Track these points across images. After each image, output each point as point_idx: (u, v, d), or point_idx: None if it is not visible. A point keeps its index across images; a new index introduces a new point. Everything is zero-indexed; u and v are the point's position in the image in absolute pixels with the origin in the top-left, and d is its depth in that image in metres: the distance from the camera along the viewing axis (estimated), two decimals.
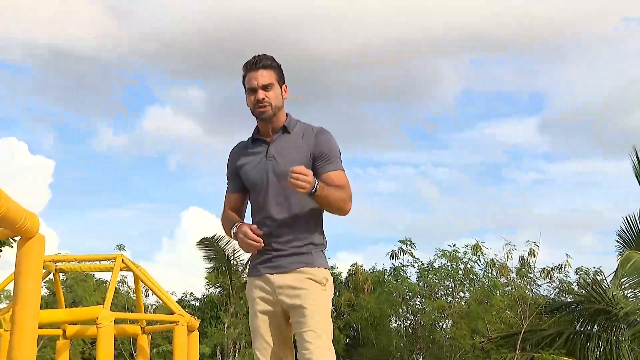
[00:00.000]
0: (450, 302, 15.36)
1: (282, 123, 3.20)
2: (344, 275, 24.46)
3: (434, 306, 15.80)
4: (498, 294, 14.89)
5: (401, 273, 16.69)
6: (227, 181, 3.35)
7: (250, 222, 3.19)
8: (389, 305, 17.95)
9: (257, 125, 3.27)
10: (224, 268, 21.25)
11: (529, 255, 16.06)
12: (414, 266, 16.83)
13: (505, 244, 15.28)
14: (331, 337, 3.06)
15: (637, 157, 13.03)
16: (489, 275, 15.58)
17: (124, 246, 18.90)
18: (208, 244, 21.14)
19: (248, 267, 3.49)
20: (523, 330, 13.45)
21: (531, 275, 16.14)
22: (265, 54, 3.20)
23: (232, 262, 21.03)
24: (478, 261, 15.68)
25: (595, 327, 13.77)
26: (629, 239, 12.50)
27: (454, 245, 15.97)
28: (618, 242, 12.63)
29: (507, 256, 16.04)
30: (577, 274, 16.82)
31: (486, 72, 31.14)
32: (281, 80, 3.19)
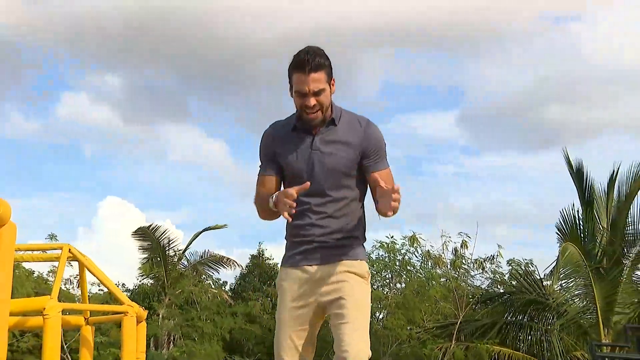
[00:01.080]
0: (387, 293, 15.62)
1: (329, 116, 3.06)
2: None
3: (371, 297, 16.05)
4: (434, 285, 15.22)
5: None
6: (260, 163, 3.19)
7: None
8: None
9: (300, 114, 3.08)
10: (159, 259, 20.99)
11: (461, 246, 16.48)
12: None
13: (442, 236, 15.63)
14: (368, 330, 2.97)
15: (568, 155, 13.51)
16: (426, 266, 15.92)
17: (56, 236, 18.43)
18: (143, 234, 20.82)
19: (284, 256, 3.19)
20: (459, 321, 13.80)
21: (465, 267, 16.57)
22: (315, 51, 2.98)
23: (167, 252, 20.79)
24: (415, 253, 16.00)
25: (527, 317, 14.27)
26: (565, 231, 12.98)
27: (392, 237, 16.25)
28: (557, 234, 13.10)
29: (443, 248, 16.41)
30: (509, 265, 17.30)
31: (407, 65, 31.53)
32: (330, 76, 3.03)
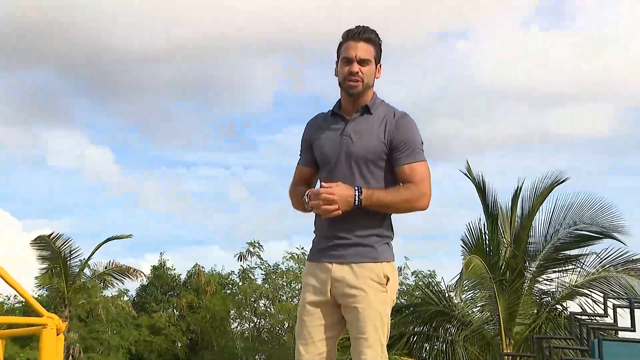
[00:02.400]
0: (297, 304, 15.71)
1: (366, 102, 3.03)
2: (183, 276, 24.15)
3: (280, 308, 16.04)
4: None
5: (249, 275, 16.79)
6: (300, 153, 3.21)
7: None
8: (235, 306, 17.99)
9: (339, 100, 3.10)
10: (59, 269, 20.27)
11: None
12: (261, 268, 16.99)
13: None
14: (385, 342, 2.96)
15: (470, 168, 14.01)
16: None
17: None
18: (44, 243, 20.07)
19: (310, 249, 3.13)
20: None
21: None
22: (369, 28, 3.02)
23: (68, 263, 20.10)
24: None
25: (433, 328, 14.66)
26: (471, 244, 13.45)
27: (302, 248, 16.34)
28: (462, 246, 13.55)
29: None
30: (414, 276, 17.77)
31: (300, 75, 31.90)
32: (378, 58, 3.04)
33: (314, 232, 3.12)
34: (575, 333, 8.23)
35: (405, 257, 17.04)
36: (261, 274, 17.34)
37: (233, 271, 18.30)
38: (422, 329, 14.67)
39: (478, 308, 14.38)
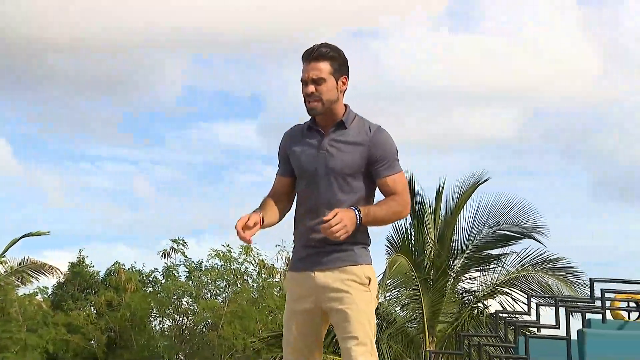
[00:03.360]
0: (222, 302, 15.56)
1: (339, 116, 3.12)
2: (102, 273, 23.58)
3: (204, 306, 15.89)
4: (271, 295, 15.39)
5: (173, 272, 16.55)
6: (278, 163, 3.28)
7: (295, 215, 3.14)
8: (157, 304, 17.70)
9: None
10: None
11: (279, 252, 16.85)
12: (185, 266, 16.78)
13: (276, 245, 15.85)
14: (374, 340, 3.05)
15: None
16: (263, 276, 16.06)
17: None
18: None
19: (290, 260, 3.35)
20: None
21: None
22: (324, 43, 3.08)
23: None
24: (253, 262, 16.08)
25: None
26: (396, 243, 13.65)
27: (228, 245, 16.22)
28: (387, 246, 13.74)
29: (278, 257, 16.66)
30: None
31: (210, 70, 31.55)
32: (338, 72, 3.09)
33: (294, 241, 3.21)
34: (500, 331, 8.47)
35: None
36: (184, 271, 17.13)
37: (156, 268, 18.03)
38: None
39: (402, 307, 14.62)
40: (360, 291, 3.04)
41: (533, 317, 8.11)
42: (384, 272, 13.03)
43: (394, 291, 13.96)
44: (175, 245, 16.92)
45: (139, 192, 32.38)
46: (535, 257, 13.86)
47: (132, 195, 33.41)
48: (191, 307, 17.03)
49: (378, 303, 13.69)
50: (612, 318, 7.95)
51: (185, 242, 17.03)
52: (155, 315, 19.61)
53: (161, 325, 19.55)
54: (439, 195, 13.91)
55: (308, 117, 3.21)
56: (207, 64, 31.78)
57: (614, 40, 28.59)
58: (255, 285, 16.06)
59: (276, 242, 20.54)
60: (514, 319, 9.49)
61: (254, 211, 3.11)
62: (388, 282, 13.15)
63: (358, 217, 2.98)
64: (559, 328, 7.57)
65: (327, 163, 3.07)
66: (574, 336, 7.57)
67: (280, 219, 3.23)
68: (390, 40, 31.03)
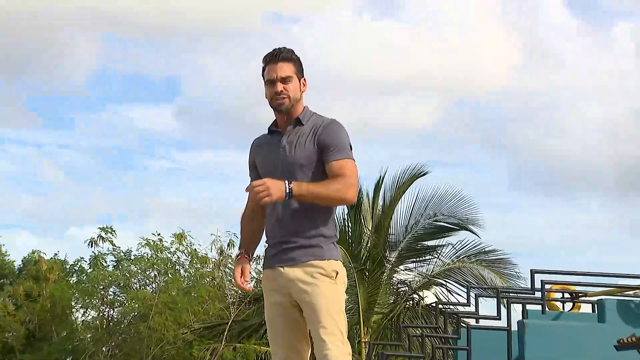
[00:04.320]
0: (152, 292, 15.34)
1: (297, 114, 3.30)
2: (17, 263, 22.88)
3: (133, 296, 15.65)
4: (204, 285, 15.27)
5: (101, 262, 16.21)
6: (249, 174, 3.44)
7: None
8: (81, 295, 17.31)
9: (275, 119, 3.37)
10: None
11: (228, 245, 16.73)
12: (114, 254, 16.46)
13: (211, 234, 15.73)
14: (345, 330, 3.15)
15: None
16: (195, 265, 15.91)
17: None
18: None
19: (264, 259, 3.38)
20: (230, 321, 13.99)
21: (231, 266, 16.83)
22: (285, 47, 3.30)
23: None
24: (185, 251, 15.90)
25: None
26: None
27: (159, 234, 15.99)
28: None
29: (211, 247, 16.52)
30: None
31: (123, 52, 30.59)
32: (300, 73, 3.31)
33: (266, 241, 3.35)
34: (440, 321, 8.66)
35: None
36: (112, 260, 16.80)
37: (82, 257, 17.61)
38: None
39: None
40: (327, 283, 3.16)
41: (472, 309, 8.33)
42: None
43: None
44: (103, 234, 16.58)
45: (45, 176, 31.29)
46: (471, 249, 14.20)
47: (38, 180, 32.25)
48: (119, 298, 16.73)
49: None
50: (547, 309, 8.24)
51: (114, 231, 16.73)
52: (80, 307, 19.18)
53: (85, 317, 19.14)
54: (378, 186, 14.06)
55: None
56: (121, 45, 30.71)
57: (533, 32, 29.33)
58: (187, 275, 15.91)
59: (210, 232, 20.42)
60: (454, 310, 9.70)
61: (239, 255, 3.31)
62: None
63: (287, 187, 3.08)
64: (500, 319, 7.80)
65: (285, 158, 3.24)
66: (514, 327, 7.82)
67: (262, 234, 3.39)
68: (312, 25, 30.77)
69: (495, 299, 7.96)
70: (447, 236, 14.06)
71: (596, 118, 28.33)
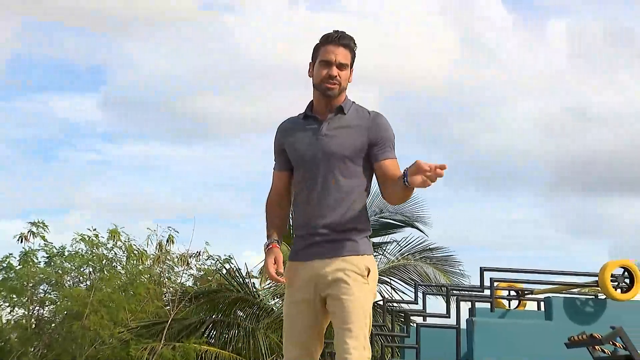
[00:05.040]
0: (87, 290, 14.96)
1: (339, 103, 3.22)
2: None
3: (67, 294, 15.24)
4: (142, 282, 14.98)
5: (32, 258, 15.71)
6: (274, 158, 3.35)
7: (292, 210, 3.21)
8: (8, 293, 16.76)
9: (310, 102, 3.28)
10: None
11: (167, 241, 16.47)
12: (45, 251, 15.96)
13: (147, 228, 15.45)
14: (369, 334, 3.11)
15: None
16: (133, 262, 15.60)
17: None
18: None
19: (291, 249, 3.28)
20: (170, 320, 13.78)
21: (170, 263, 16.57)
22: (346, 33, 3.22)
23: None
24: (122, 247, 15.57)
25: (234, 315, 14.74)
26: None
27: (95, 229, 15.60)
28: None
29: (147, 242, 16.24)
30: (211, 260, 17.57)
31: (44, 38, 29.67)
32: (353, 63, 3.25)
33: (293, 231, 3.29)
34: (387, 320, 8.67)
35: (206, 242, 16.88)
36: (44, 257, 16.30)
37: (11, 253, 17.02)
38: (223, 316, 14.70)
39: (282, 295, 14.67)
40: (359, 282, 3.11)
41: (419, 307, 8.37)
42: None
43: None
44: (34, 229, 16.07)
45: None
46: (416, 246, 14.32)
47: None
48: (50, 296, 16.26)
49: (257, 291, 13.69)
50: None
51: (47, 226, 16.23)
52: (5, 305, 18.60)
53: (11, 316, 18.55)
54: None
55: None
56: (41, 30, 29.65)
57: (471, 26, 29.71)
58: (124, 271, 15.59)
59: (147, 226, 20.06)
60: (401, 308, 9.73)
61: (269, 244, 3.20)
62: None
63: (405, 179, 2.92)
64: (449, 317, 7.86)
65: (327, 147, 3.15)
66: (463, 325, 7.88)
67: (288, 221, 3.38)
68: (246, 15, 30.30)
69: (445, 297, 8.02)
70: (393, 233, 14.15)
71: (532, 114, 28.83)
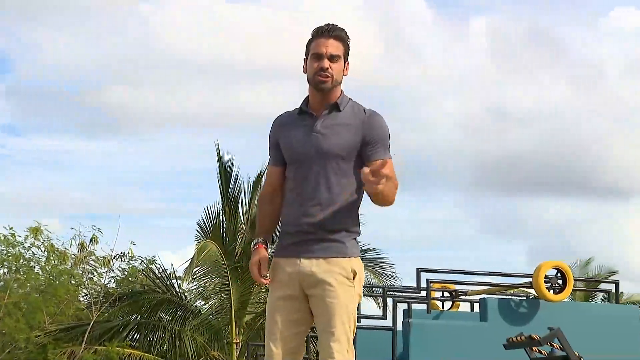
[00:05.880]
0: (2, 292, 14.42)
1: (335, 99, 3.20)
2: None
3: None
4: (62, 283, 14.54)
5: None
6: (269, 152, 3.35)
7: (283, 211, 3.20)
8: None
9: (306, 97, 3.26)
10: None
11: (91, 241, 16.09)
12: None
13: (72, 228, 15.01)
14: (352, 337, 3.13)
15: (219, 151, 14.07)
16: (53, 262, 15.12)
17: None
18: None
19: (277, 245, 3.27)
20: (92, 322, 13.43)
21: (93, 263, 16.17)
22: (338, 25, 3.21)
23: None
24: (41, 247, 15.08)
25: (159, 317, 14.48)
26: (207, 228, 13.47)
27: (11, 228, 15.06)
28: (198, 231, 13.52)
29: (71, 242, 15.82)
30: (135, 261, 17.21)
31: None
32: (347, 56, 3.22)
33: (281, 227, 3.28)
34: None
35: (131, 242, 16.51)
36: None
37: None
38: (148, 318, 14.43)
39: (207, 297, 14.50)
40: (344, 286, 3.12)
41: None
42: (192, 259, 12.82)
43: (202, 279, 13.79)
44: None
45: None
46: None
47: None
48: None
49: (183, 292, 13.47)
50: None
51: None
52: None
53: None
54: (258, 179, 13.90)
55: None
56: None
57: (394, 23, 29.98)
58: (43, 272, 15.09)
59: (71, 225, 19.48)
60: None
61: (256, 244, 3.22)
62: (195, 269, 12.96)
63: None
64: (386, 319, 7.86)
65: (321, 145, 3.15)
66: (399, 327, 7.90)
67: (279, 219, 3.32)
68: (162, 5, 29.53)
69: (381, 299, 8.02)
70: None
71: (453, 113, 29.28)
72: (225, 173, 13.89)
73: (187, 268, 13.76)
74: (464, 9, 34.12)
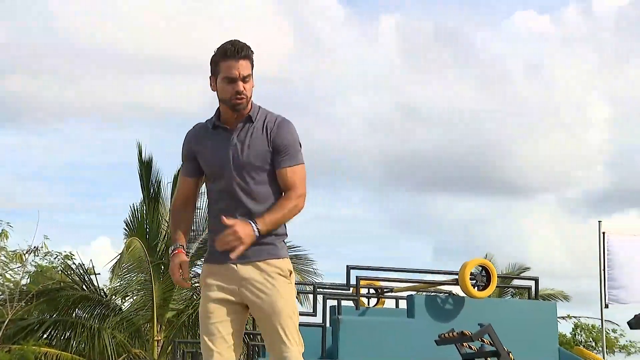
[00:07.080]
0: None
1: (247, 112, 3.36)
2: None
3: None
4: None
5: None
6: (182, 163, 3.49)
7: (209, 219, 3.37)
8: None
9: (217, 110, 3.39)
10: None
11: (0, 236, 15.70)
12: None
13: None
14: (298, 329, 3.31)
15: (141, 148, 14.01)
16: None
17: None
18: None
19: (207, 251, 3.44)
20: (7, 320, 13.16)
21: (3, 259, 15.79)
22: (242, 43, 3.32)
23: None
24: None
25: (77, 314, 14.30)
26: (133, 226, 13.41)
27: None
28: (124, 229, 13.44)
29: None
30: (50, 257, 16.89)
31: None
32: (253, 69, 3.37)
33: (210, 234, 3.42)
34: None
35: (45, 237, 16.17)
36: None
37: None
38: (63, 316, 14.24)
39: (127, 295, 14.42)
40: (284, 283, 3.31)
41: None
42: (121, 255, 12.75)
43: (125, 276, 13.71)
44: None
45: None
46: None
47: None
48: None
49: (105, 291, 13.38)
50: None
51: None
52: None
53: None
54: (176, 176, 13.92)
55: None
56: None
57: (304, 19, 30.06)
58: None
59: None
60: None
61: (175, 249, 3.34)
62: (123, 266, 12.89)
63: (255, 229, 3.22)
64: (316, 315, 8.08)
65: (238, 157, 3.31)
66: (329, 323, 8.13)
67: (192, 224, 3.55)
68: None
69: (312, 295, 8.23)
70: None
71: (363, 111, 29.46)
72: (146, 169, 13.83)
73: (115, 265, 13.68)
74: (375, 7, 34.55)
